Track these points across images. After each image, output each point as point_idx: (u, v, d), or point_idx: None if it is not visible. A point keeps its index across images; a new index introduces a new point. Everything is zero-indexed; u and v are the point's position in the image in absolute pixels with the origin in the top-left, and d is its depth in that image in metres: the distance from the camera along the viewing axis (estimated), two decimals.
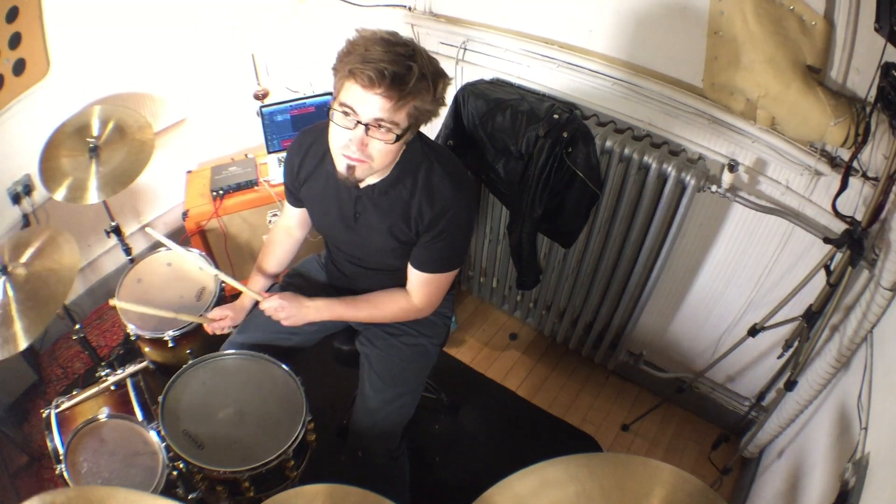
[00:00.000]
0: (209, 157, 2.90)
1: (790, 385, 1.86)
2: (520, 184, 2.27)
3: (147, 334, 2.03)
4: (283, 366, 1.77)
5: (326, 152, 1.59)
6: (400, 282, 1.79)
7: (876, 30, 1.37)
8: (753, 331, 2.02)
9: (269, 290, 2.00)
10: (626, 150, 2.08)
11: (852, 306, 1.72)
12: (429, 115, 1.45)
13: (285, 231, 1.99)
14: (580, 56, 2.15)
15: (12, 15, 2.13)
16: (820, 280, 1.78)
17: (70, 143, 2.25)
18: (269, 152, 2.83)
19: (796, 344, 1.91)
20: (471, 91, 2.29)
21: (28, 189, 2.43)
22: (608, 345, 2.62)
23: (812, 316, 1.80)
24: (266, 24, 2.76)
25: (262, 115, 2.74)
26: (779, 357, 2.09)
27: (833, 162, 1.76)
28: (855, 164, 1.63)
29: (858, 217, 1.64)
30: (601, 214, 2.25)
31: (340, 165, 1.48)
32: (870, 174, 1.60)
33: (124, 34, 2.59)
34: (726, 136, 1.96)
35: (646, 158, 2.05)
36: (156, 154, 2.75)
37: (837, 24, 1.58)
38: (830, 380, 1.77)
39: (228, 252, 2.76)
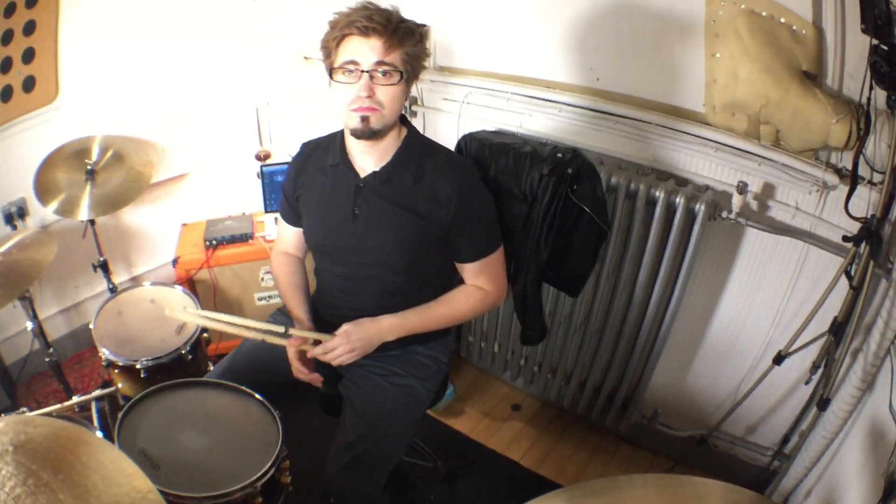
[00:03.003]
0: (207, 215, 2.85)
1: (823, 404, 1.74)
2: (524, 228, 2.20)
3: (121, 361, 1.93)
4: (258, 395, 1.64)
5: (327, 154, 1.70)
6: (396, 302, 1.69)
7: (863, 31, 1.42)
8: (779, 358, 1.92)
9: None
10: (633, 185, 2.06)
11: (874, 322, 1.63)
12: (418, 62, 1.55)
13: (285, 257, 1.92)
14: (582, 96, 2.20)
15: (29, 28, 2.21)
16: (841, 293, 1.73)
17: (68, 162, 2.30)
18: (267, 211, 2.80)
19: (824, 363, 1.81)
20: (473, 137, 2.29)
21: (22, 212, 2.42)
22: (619, 406, 2.45)
23: (839, 327, 1.73)
24: (271, 85, 2.82)
25: (262, 173, 2.75)
26: (806, 383, 1.95)
27: (840, 173, 1.76)
28: (861, 164, 1.62)
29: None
30: (609, 256, 2.19)
31: (353, 121, 1.52)
32: (876, 167, 1.61)
33: (137, 78, 2.68)
34: (732, 162, 1.96)
35: (653, 191, 2.02)
36: (153, 205, 2.75)
37: (826, 29, 1.65)
38: (861, 396, 1.67)
39: (217, 307, 2.64)
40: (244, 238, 2.65)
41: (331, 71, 1.51)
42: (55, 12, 2.32)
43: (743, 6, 1.73)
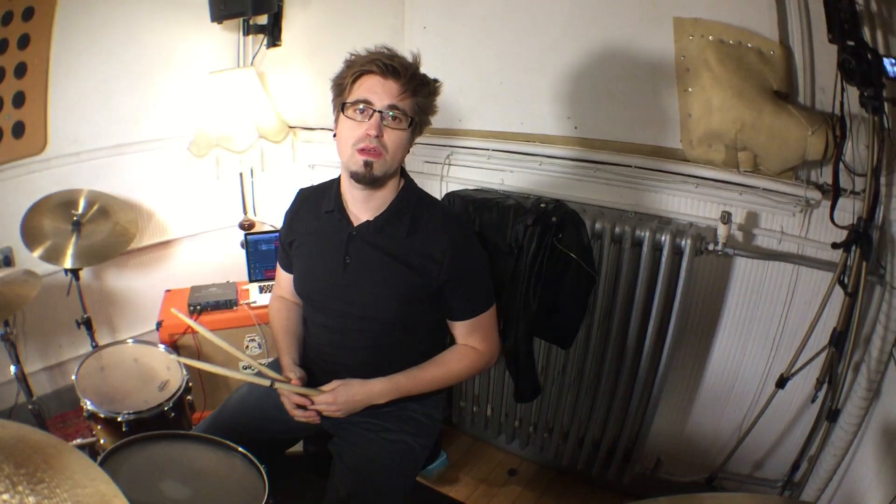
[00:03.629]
0: (191, 283, 2.82)
1: (833, 415, 1.75)
2: (511, 282, 2.19)
3: (103, 413, 1.89)
4: (241, 448, 1.56)
5: (322, 201, 1.69)
6: (384, 359, 1.65)
7: (830, 41, 1.50)
8: (781, 381, 1.92)
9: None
10: (617, 228, 2.08)
11: (873, 330, 1.67)
12: (427, 114, 1.57)
13: (282, 301, 1.90)
14: (561, 147, 2.26)
15: (20, 71, 2.26)
16: (837, 305, 1.75)
17: (55, 211, 2.36)
18: (251, 280, 2.78)
19: (828, 377, 1.80)
20: (456, 195, 2.33)
21: (8, 261, 2.42)
22: (620, 459, 2.35)
23: (839, 337, 1.73)
24: (255, 154, 2.86)
25: (246, 242, 2.76)
26: (813, 401, 1.93)
27: (821, 188, 1.80)
28: (842, 174, 1.66)
29: None
30: (599, 304, 2.17)
31: (355, 164, 1.51)
32: (857, 171, 1.65)
33: (125, 138, 2.76)
34: (714, 196, 2.01)
35: (638, 232, 2.04)
36: (137, 271, 2.75)
37: (794, 47, 1.73)
38: (869, 406, 1.67)
39: (202, 375, 2.56)
40: (229, 304, 2.61)
41: (342, 106, 1.52)
42: (46, 58, 2.39)
43: (710, 37, 1.82)
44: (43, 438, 0.88)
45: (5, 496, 0.74)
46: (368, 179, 1.51)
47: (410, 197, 1.64)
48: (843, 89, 1.54)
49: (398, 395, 1.63)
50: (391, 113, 1.48)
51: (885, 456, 1.60)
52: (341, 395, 1.58)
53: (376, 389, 1.61)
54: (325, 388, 1.60)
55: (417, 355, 1.68)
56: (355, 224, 1.62)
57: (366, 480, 1.60)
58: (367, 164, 1.49)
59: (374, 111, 1.47)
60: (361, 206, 1.62)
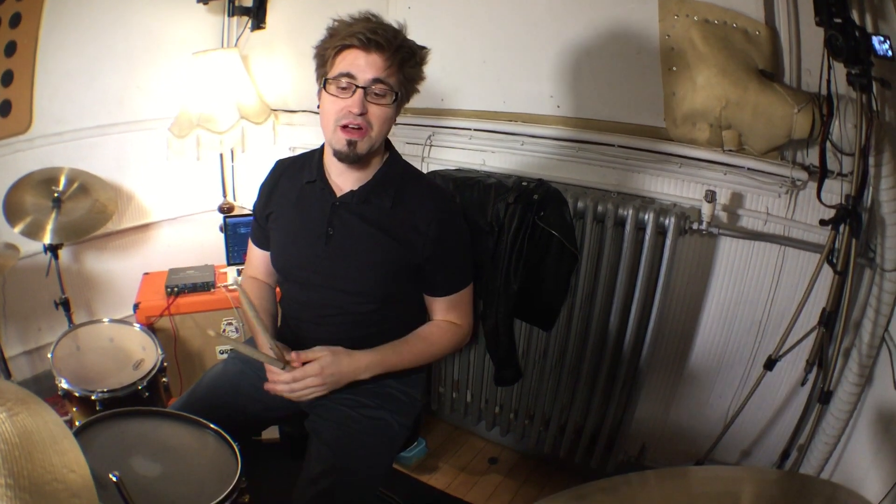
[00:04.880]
0: (169, 266, 2.79)
1: (826, 397, 1.71)
2: (492, 261, 2.16)
3: (77, 392, 1.86)
4: (213, 425, 1.50)
5: (302, 172, 1.64)
6: (364, 334, 1.60)
7: (817, 23, 1.47)
8: (770, 363, 1.89)
9: None
10: (600, 207, 2.05)
11: (863, 314, 1.63)
12: (413, 84, 1.51)
13: (254, 282, 1.83)
14: (544, 126, 2.22)
15: (10, 49, 2.25)
16: (826, 286, 1.73)
17: (37, 188, 2.36)
18: (230, 264, 2.75)
19: (818, 359, 1.78)
20: (436, 174, 2.29)
21: None
22: (604, 446, 2.31)
23: (829, 317, 1.70)
24: (237, 136, 2.83)
25: (225, 225, 2.71)
26: (803, 384, 1.90)
27: (808, 169, 1.77)
28: (829, 157, 1.63)
29: None
30: (581, 285, 2.14)
31: (339, 143, 1.45)
32: (844, 150, 1.62)
33: (107, 120, 2.74)
34: (697, 176, 1.98)
35: (621, 210, 2.02)
36: (115, 253, 2.72)
37: (780, 28, 1.70)
38: (861, 392, 1.63)
39: (178, 358, 2.52)
40: (206, 287, 2.57)
41: (324, 82, 1.45)
42: (35, 38, 2.37)
43: (696, 17, 1.79)
44: (4, 385, 0.89)
45: None
46: (352, 158, 1.47)
47: (396, 168, 1.60)
48: (829, 67, 1.52)
49: (383, 370, 1.57)
50: (376, 88, 1.42)
51: (881, 443, 1.57)
52: (328, 368, 1.50)
53: (363, 363, 1.54)
54: (308, 353, 1.51)
55: (397, 333, 1.64)
56: (338, 194, 1.57)
57: (343, 457, 1.53)
58: (351, 144, 1.44)
59: (357, 87, 1.41)
60: (345, 177, 1.57)
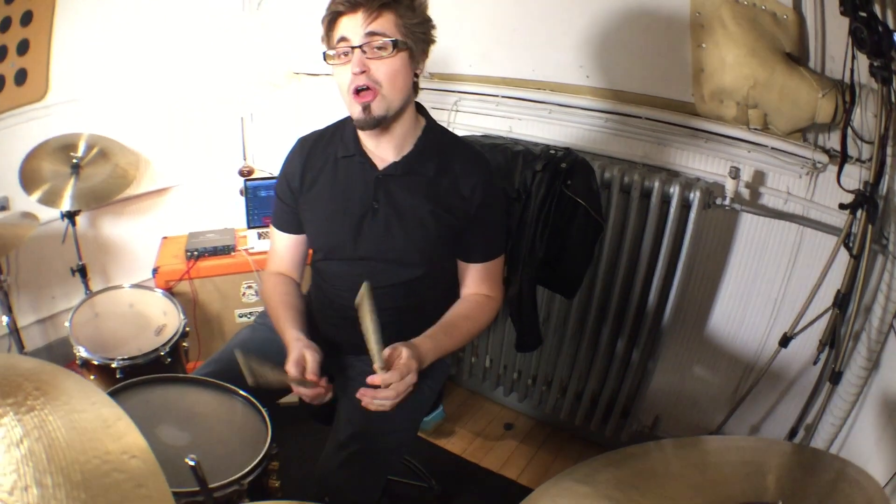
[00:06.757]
0: (188, 230, 2.86)
1: (836, 377, 1.81)
2: (518, 228, 2.24)
3: (96, 360, 1.91)
4: (243, 391, 1.51)
5: (330, 147, 1.64)
6: (410, 304, 1.65)
7: (841, 13, 1.56)
8: (785, 340, 2.00)
9: None
10: (626, 178, 2.15)
11: (874, 300, 1.73)
12: (418, 30, 1.48)
13: (279, 277, 1.77)
14: (572, 95, 2.31)
15: (27, 19, 2.29)
16: (841, 269, 1.82)
17: (54, 155, 2.38)
18: (250, 227, 2.83)
19: (831, 340, 1.88)
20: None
21: (4, 210, 2.46)
22: (619, 415, 2.47)
23: (843, 299, 1.81)
24: (257, 100, 2.87)
25: (245, 188, 2.79)
26: (815, 363, 2.01)
27: (828, 153, 1.88)
28: (850, 142, 1.73)
29: None
30: (605, 255, 2.24)
31: (355, 110, 1.47)
32: (865, 138, 1.72)
33: (125, 86, 2.76)
34: (722, 152, 2.08)
35: (647, 182, 2.13)
36: (133, 218, 2.76)
37: (806, 13, 1.80)
38: (868, 376, 1.74)
39: (197, 323, 2.62)
40: (227, 250, 2.66)
41: (328, 57, 1.48)
42: (52, 6, 2.40)
43: None
44: (35, 365, 0.83)
45: None
46: (371, 123, 1.47)
47: (435, 135, 1.63)
48: (853, 57, 1.62)
49: (438, 357, 1.55)
50: (373, 43, 1.41)
51: (884, 429, 1.66)
52: (415, 360, 1.43)
53: (425, 349, 1.50)
54: (390, 354, 1.44)
55: (438, 302, 1.68)
56: (380, 167, 1.59)
57: (372, 421, 1.55)
58: (365, 108, 1.45)
59: (352, 47, 1.42)
60: (384, 148, 1.59)
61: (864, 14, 1.50)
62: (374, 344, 1.40)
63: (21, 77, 2.40)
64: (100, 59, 2.65)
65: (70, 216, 2.43)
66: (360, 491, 1.56)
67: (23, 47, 2.36)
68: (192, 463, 1.10)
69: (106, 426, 0.76)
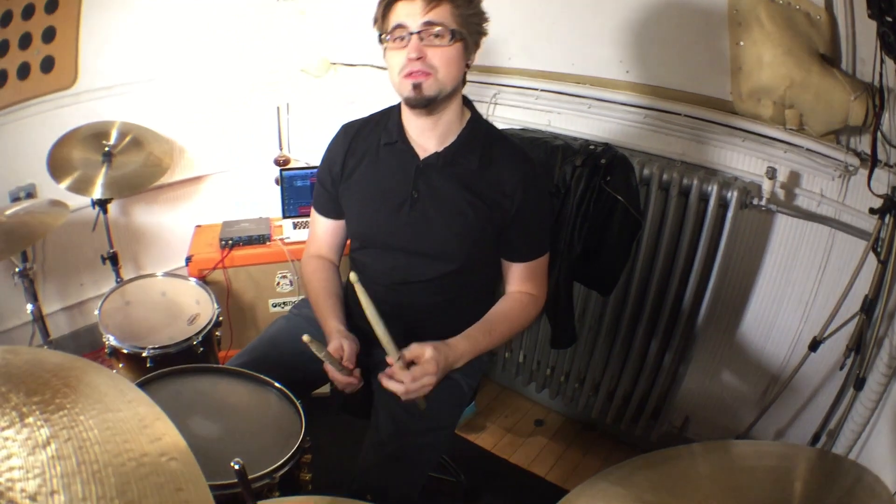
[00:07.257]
0: (222, 219, 2.90)
1: (860, 383, 1.82)
2: (556, 223, 2.23)
3: (126, 348, 1.93)
4: (277, 384, 1.54)
5: (374, 134, 1.66)
6: (445, 300, 1.66)
7: (869, 16, 1.56)
8: (814, 344, 2.01)
9: None
10: (665, 176, 2.15)
11: None
12: (472, 22, 1.50)
13: (319, 261, 1.80)
14: (611, 90, 2.32)
15: (52, 6, 2.29)
16: (870, 274, 1.82)
17: (85, 142, 2.39)
18: (285, 217, 2.87)
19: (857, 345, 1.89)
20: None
21: (30, 197, 2.49)
22: (649, 415, 2.47)
23: (870, 304, 1.82)
24: (294, 90, 2.89)
25: (281, 177, 2.82)
26: (841, 368, 2.00)
27: (859, 156, 1.88)
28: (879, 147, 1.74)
29: None
30: (642, 253, 2.25)
31: (405, 90, 1.48)
32: (893, 142, 1.73)
33: (158, 73, 2.78)
34: (759, 151, 2.08)
35: (685, 181, 2.14)
36: (166, 206, 2.77)
37: (838, 16, 1.80)
38: (888, 383, 1.73)
39: (230, 312, 2.66)
40: (261, 240, 2.69)
41: (382, 39, 1.51)
42: None
43: None
44: (64, 360, 0.79)
45: (8, 432, 0.65)
46: (422, 102, 1.48)
47: (480, 128, 1.63)
48: (882, 61, 1.62)
49: (474, 356, 1.58)
50: (431, 31, 1.44)
51: None
52: (441, 362, 1.47)
53: (460, 351, 1.54)
54: (409, 353, 1.47)
55: (477, 300, 1.70)
56: (422, 156, 1.60)
57: (414, 417, 1.58)
58: (416, 87, 1.46)
59: (410, 34, 1.44)
60: (428, 136, 1.60)
61: (890, 19, 1.49)
62: (382, 335, 1.45)
63: (48, 64, 2.41)
64: (132, 46, 2.67)
65: (101, 204, 2.44)
66: (402, 487, 1.57)
67: (49, 35, 2.36)
68: (237, 467, 1.10)
69: (143, 426, 0.72)
